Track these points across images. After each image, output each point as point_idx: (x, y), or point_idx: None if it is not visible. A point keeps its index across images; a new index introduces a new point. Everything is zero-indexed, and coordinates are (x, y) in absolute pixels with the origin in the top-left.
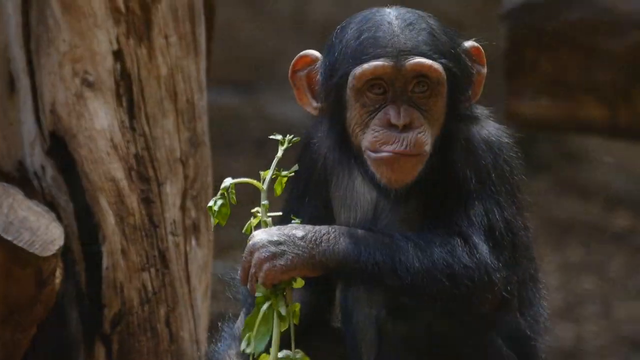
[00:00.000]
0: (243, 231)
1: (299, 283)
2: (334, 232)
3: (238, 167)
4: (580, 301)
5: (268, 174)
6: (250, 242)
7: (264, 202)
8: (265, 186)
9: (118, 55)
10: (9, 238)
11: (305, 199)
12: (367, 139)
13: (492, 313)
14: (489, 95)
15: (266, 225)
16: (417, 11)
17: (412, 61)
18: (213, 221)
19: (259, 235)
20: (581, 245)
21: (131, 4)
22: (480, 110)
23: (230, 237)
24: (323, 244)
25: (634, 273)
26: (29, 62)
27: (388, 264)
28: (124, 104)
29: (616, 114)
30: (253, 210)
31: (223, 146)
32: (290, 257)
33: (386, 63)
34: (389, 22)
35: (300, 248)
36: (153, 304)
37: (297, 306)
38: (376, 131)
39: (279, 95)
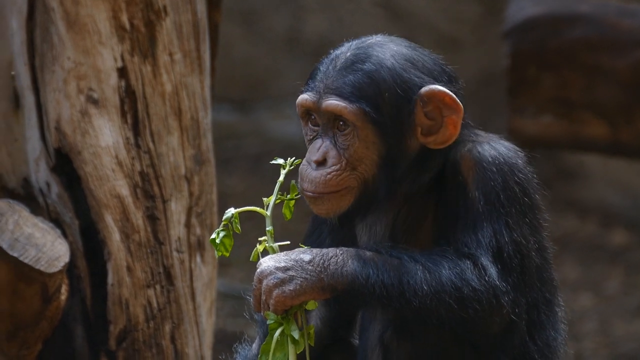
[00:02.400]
0: (250, 259)
1: (312, 305)
2: (341, 254)
3: (234, 184)
4: (578, 318)
5: (271, 200)
6: (258, 270)
7: (269, 228)
8: (268, 212)
9: (123, 72)
10: (15, 254)
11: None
12: None
13: (499, 335)
14: (491, 112)
15: (273, 251)
16: (388, 46)
17: (327, 101)
18: (216, 254)
19: (266, 263)
20: (578, 263)
21: (135, 21)
22: (486, 134)
23: (229, 255)
24: (331, 267)
25: (632, 290)
26: (34, 79)
27: (396, 286)
28: (129, 121)
29: (617, 132)
30: (260, 239)
31: (219, 163)
32: (299, 282)
33: (309, 98)
34: (336, 58)
35: (309, 272)
36: (158, 321)
37: (312, 328)
38: (302, 164)
39: (274, 112)
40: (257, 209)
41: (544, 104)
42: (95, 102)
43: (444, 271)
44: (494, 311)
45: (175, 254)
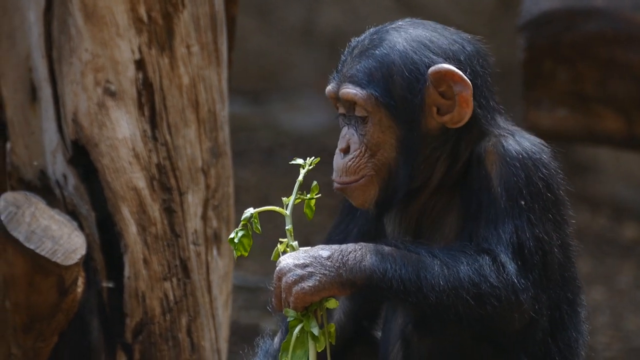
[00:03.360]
0: (272, 259)
1: (332, 304)
2: (360, 249)
3: (247, 177)
4: (589, 312)
5: (290, 199)
6: (277, 268)
7: (288, 227)
8: (288, 211)
9: (140, 64)
10: (31, 247)
11: (356, 213)
12: None
13: (520, 333)
14: (507, 105)
15: (293, 249)
16: (405, 29)
17: (342, 90)
18: (235, 254)
19: (285, 260)
20: (591, 257)
21: (153, 13)
22: (513, 127)
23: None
24: (350, 262)
25: None
26: (51, 71)
27: (413, 281)
28: (146, 113)
29: (633, 126)
30: (281, 239)
31: (232, 155)
32: (318, 278)
33: (331, 88)
34: (354, 46)
35: (327, 268)
36: (175, 314)
37: (333, 326)
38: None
39: (287, 105)
40: (277, 208)
41: (559, 98)
42: (112, 94)
43: (462, 267)
44: (513, 308)
45: (191, 246)
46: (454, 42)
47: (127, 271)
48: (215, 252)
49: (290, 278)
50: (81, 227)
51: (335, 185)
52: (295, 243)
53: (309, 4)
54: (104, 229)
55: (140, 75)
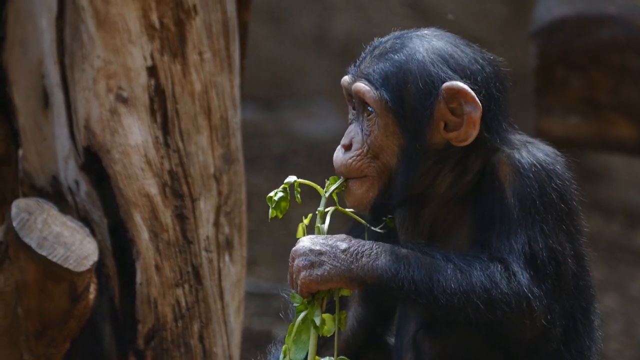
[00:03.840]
0: (297, 236)
1: (347, 292)
2: (377, 248)
3: (259, 183)
4: (602, 319)
5: (333, 185)
6: (294, 248)
7: (321, 208)
8: (327, 194)
9: (152, 71)
10: (44, 253)
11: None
12: None
13: (533, 342)
14: (519, 113)
15: (319, 231)
16: (428, 39)
17: (355, 84)
18: (271, 213)
19: (303, 242)
20: (603, 263)
21: (165, 20)
22: (527, 138)
23: (255, 253)
24: (363, 259)
25: None
26: (63, 78)
27: (425, 282)
28: (158, 119)
29: None
30: (309, 215)
31: (244, 162)
32: (328, 269)
33: (346, 79)
34: (376, 46)
35: (340, 260)
36: (187, 320)
37: (344, 314)
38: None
39: (300, 111)
40: (317, 187)
41: (572, 105)
42: (124, 100)
43: (475, 272)
44: (524, 315)
45: (203, 253)
46: (474, 61)
47: (139, 277)
48: (227, 258)
49: (302, 262)
50: (93, 233)
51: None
52: (323, 226)
53: (321, 11)
54: (116, 236)
55: (153, 82)
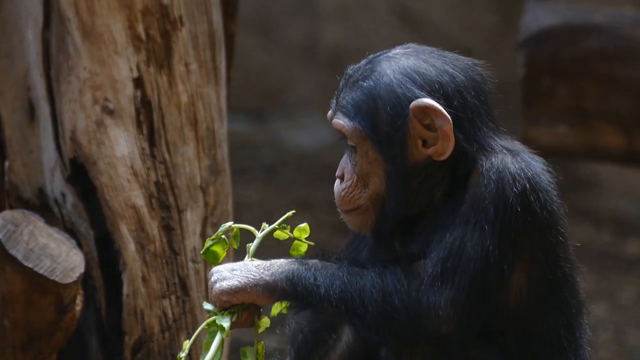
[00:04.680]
0: None
1: (265, 324)
2: (286, 261)
3: (250, 194)
4: (592, 328)
5: (269, 227)
6: (210, 271)
7: (252, 250)
8: (260, 234)
9: (138, 82)
10: (30, 265)
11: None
12: None
13: (448, 337)
14: (506, 121)
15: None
16: (396, 60)
17: (334, 120)
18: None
19: (220, 266)
20: (594, 272)
21: (151, 31)
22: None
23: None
24: (273, 268)
25: None
26: (50, 90)
27: (323, 285)
28: (145, 131)
29: (633, 142)
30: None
31: (234, 173)
32: (239, 279)
33: (329, 114)
34: (351, 74)
35: (252, 272)
36: (173, 331)
37: (261, 344)
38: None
39: (290, 122)
40: (252, 229)
41: (559, 114)
42: (110, 112)
43: (369, 275)
44: (422, 307)
45: (190, 264)
46: (444, 72)
47: (125, 289)
48: None
49: (215, 276)
50: (80, 245)
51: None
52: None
53: (310, 21)
54: (102, 247)
55: (139, 93)
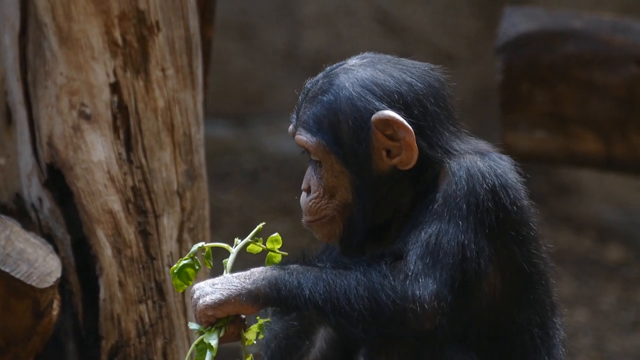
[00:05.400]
0: None
1: (251, 336)
2: (267, 268)
3: (230, 199)
4: (573, 334)
5: (241, 242)
6: (192, 289)
7: (226, 260)
8: (234, 249)
9: (115, 87)
10: (6, 270)
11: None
12: None
13: (432, 331)
14: (487, 127)
15: None
16: (354, 72)
17: (296, 135)
18: (175, 285)
19: (201, 283)
20: (574, 278)
21: (128, 36)
22: (480, 146)
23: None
24: (254, 276)
25: (627, 306)
26: (26, 95)
27: (307, 287)
28: (121, 136)
29: (611, 148)
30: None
31: (215, 178)
32: (222, 292)
33: (290, 129)
34: (309, 88)
35: (233, 284)
36: (150, 336)
37: (250, 356)
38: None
39: (271, 128)
40: (226, 245)
41: (538, 120)
42: (87, 117)
43: (352, 273)
44: (406, 301)
45: (167, 269)
46: (402, 82)
47: (102, 294)
48: None
49: (197, 293)
50: (56, 250)
51: (303, 222)
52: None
53: (291, 27)
54: (79, 252)
55: (116, 99)
